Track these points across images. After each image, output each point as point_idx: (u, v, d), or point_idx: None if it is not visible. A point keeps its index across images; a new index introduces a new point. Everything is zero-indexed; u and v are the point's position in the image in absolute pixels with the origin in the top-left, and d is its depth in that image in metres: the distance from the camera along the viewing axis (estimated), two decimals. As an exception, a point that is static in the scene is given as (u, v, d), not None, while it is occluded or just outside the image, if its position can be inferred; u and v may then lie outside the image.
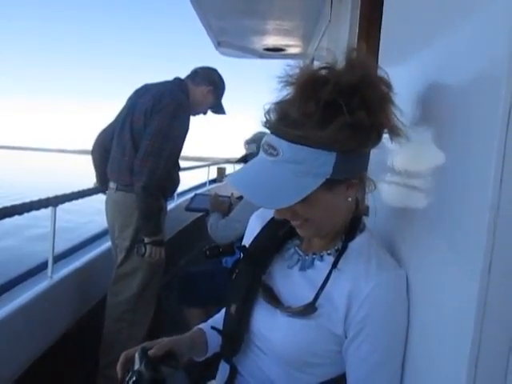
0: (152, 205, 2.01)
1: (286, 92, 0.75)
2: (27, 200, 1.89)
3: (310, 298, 0.80)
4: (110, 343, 2.12)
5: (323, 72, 0.74)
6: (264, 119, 0.77)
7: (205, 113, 2.37)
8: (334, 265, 0.82)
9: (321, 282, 0.81)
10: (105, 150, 2.22)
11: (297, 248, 0.93)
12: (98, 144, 2.26)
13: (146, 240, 2.05)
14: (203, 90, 2.25)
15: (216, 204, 2.41)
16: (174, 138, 2.04)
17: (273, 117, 0.76)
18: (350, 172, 0.78)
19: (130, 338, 2.09)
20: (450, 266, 0.62)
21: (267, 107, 0.77)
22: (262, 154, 0.77)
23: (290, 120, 0.73)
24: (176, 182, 2.27)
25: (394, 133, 0.76)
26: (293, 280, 0.89)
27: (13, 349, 1.67)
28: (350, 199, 0.83)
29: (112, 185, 2.16)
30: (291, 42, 4.06)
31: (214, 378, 1.01)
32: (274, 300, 0.87)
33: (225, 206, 2.45)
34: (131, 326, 2.12)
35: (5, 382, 1.62)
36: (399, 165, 0.92)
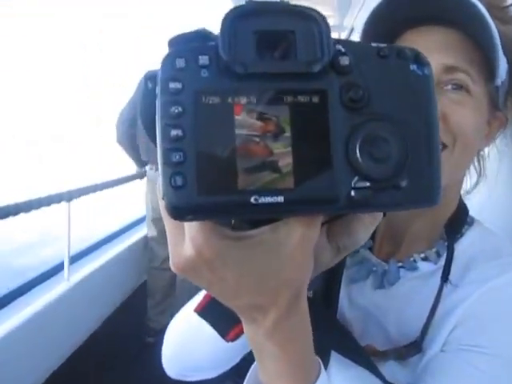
0: None
1: None
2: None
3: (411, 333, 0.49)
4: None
5: None
6: None
7: None
8: (445, 276, 0.50)
9: (425, 305, 0.50)
10: (129, 136, 2.22)
11: (366, 252, 0.59)
12: (119, 133, 2.26)
13: None
14: None
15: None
16: None
17: None
18: (502, 107, 0.54)
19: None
20: None
21: None
22: None
23: None
24: None
25: None
26: (367, 305, 0.55)
27: (34, 356, 1.61)
28: (475, 157, 0.57)
29: (148, 167, 2.27)
30: (324, 13, 3.79)
31: None
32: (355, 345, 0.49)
33: None
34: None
35: None
36: None
